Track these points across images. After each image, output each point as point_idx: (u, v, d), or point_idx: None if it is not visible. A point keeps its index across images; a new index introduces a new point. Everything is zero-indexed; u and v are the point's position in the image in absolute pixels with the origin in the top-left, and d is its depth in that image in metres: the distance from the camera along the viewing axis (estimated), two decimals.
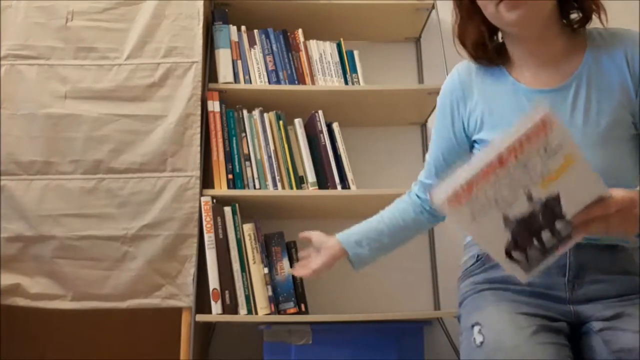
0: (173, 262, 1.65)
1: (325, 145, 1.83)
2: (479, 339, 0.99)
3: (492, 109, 1.12)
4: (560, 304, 1.03)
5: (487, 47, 1.13)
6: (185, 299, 1.63)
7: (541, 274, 0.97)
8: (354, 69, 1.99)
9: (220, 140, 1.79)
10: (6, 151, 1.67)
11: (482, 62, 1.16)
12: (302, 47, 1.97)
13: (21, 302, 1.59)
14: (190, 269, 1.65)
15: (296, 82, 1.92)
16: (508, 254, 0.89)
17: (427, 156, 1.27)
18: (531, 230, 0.87)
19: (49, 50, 1.76)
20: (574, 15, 1.08)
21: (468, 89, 1.17)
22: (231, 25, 1.92)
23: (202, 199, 1.69)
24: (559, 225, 0.87)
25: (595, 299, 1.01)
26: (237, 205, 1.74)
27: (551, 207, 0.85)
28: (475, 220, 0.84)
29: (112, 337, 1.91)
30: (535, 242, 0.88)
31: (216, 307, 1.62)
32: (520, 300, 1.04)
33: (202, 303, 1.70)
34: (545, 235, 0.88)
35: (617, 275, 1.02)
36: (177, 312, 1.64)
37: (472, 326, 1.02)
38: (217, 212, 1.70)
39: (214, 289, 1.63)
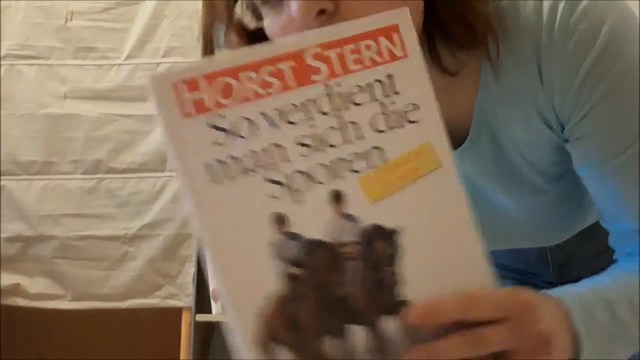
0: (173, 262, 1.65)
1: None
2: None
3: None
4: (546, 284, 0.94)
5: None
6: (185, 299, 1.63)
7: (521, 262, 0.90)
8: None
9: None
10: (6, 151, 1.67)
11: None
12: None
13: (21, 302, 1.59)
14: (190, 269, 1.65)
15: None
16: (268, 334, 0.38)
17: None
18: (329, 301, 0.39)
19: (48, 50, 1.76)
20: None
21: None
22: None
23: None
24: (385, 320, 0.40)
25: (584, 277, 0.92)
26: None
27: (377, 259, 0.40)
28: (222, 180, 0.37)
29: (112, 337, 1.90)
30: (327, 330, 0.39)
31: (216, 307, 1.62)
32: (501, 273, 0.96)
33: (202, 303, 1.70)
34: (355, 331, 0.40)
35: (607, 250, 0.80)
36: (177, 312, 1.64)
37: None
38: None
39: (214, 288, 1.63)
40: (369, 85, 0.40)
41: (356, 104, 0.40)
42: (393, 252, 0.40)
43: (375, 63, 0.40)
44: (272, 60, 0.38)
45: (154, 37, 1.78)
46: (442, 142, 0.42)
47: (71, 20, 1.78)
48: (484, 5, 0.55)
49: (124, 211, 1.66)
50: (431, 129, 0.42)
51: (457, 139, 0.63)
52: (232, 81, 0.37)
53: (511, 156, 0.65)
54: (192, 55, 1.77)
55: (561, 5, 0.55)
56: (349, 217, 0.40)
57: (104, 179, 1.68)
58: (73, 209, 1.65)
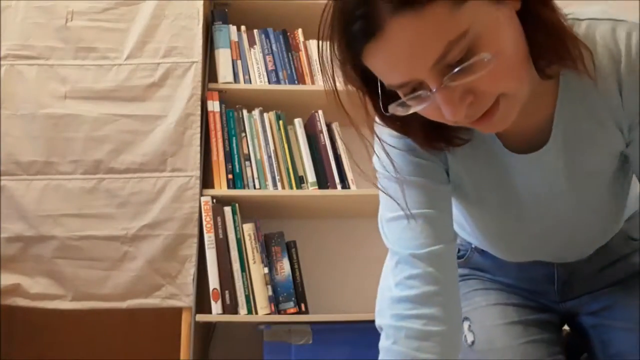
0: (173, 262, 1.65)
1: (325, 145, 1.83)
2: (469, 337, 0.98)
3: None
4: (549, 302, 1.01)
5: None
6: (185, 299, 1.63)
7: (528, 281, 0.96)
8: None
9: (220, 140, 1.79)
10: (6, 151, 1.67)
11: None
12: (301, 47, 1.97)
13: (21, 302, 1.59)
14: (190, 269, 1.65)
15: (296, 82, 1.92)
16: None
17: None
18: None
19: (48, 50, 1.76)
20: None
21: None
22: (231, 25, 1.92)
23: (202, 199, 1.69)
24: None
25: (585, 293, 0.98)
26: (237, 205, 1.74)
27: None
28: None
29: (112, 337, 1.91)
30: None
31: (216, 307, 1.62)
32: (508, 290, 1.02)
33: (202, 303, 1.70)
34: None
35: (607, 268, 0.97)
36: (177, 312, 1.63)
37: (462, 321, 1.02)
38: (217, 212, 1.70)
39: (214, 289, 1.63)
40: None
41: None
42: None
43: None
44: None
45: (154, 37, 1.79)
46: None
47: (71, 20, 1.78)
48: (569, 28, 0.67)
49: (124, 211, 1.66)
50: None
51: (534, 144, 0.77)
52: None
53: (583, 159, 0.77)
54: (192, 55, 1.78)
55: (635, 35, 0.68)
56: None
57: (104, 179, 1.68)
58: (73, 209, 1.65)
